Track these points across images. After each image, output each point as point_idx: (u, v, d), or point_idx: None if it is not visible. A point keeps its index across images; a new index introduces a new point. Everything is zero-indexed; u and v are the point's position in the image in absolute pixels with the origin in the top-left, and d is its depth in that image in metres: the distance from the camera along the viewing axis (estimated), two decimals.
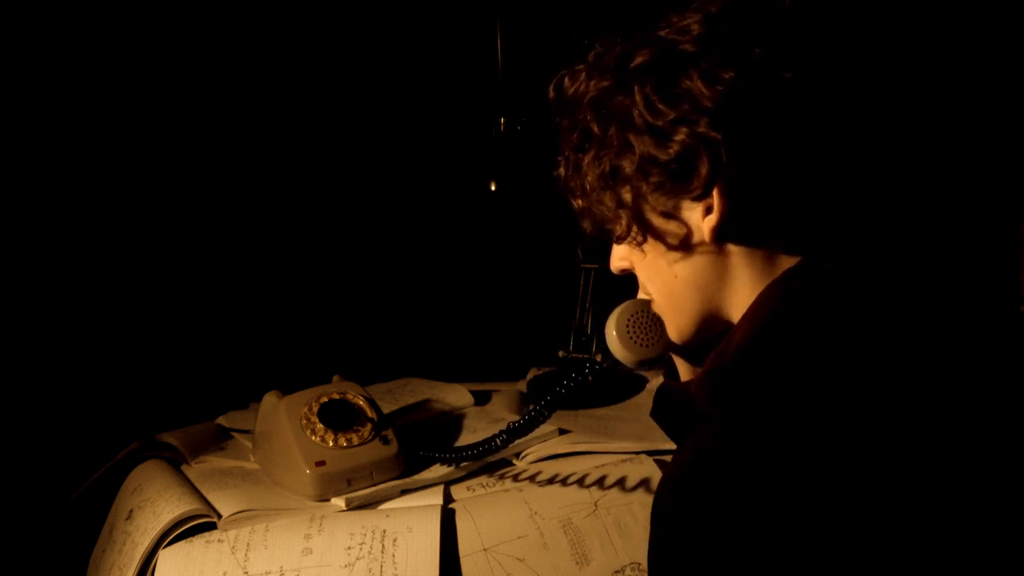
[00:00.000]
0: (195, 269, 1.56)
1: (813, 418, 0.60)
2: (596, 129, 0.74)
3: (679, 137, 0.69)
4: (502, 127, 1.53)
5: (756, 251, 0.73)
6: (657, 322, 0.82)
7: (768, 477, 0.58)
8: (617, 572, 0.95)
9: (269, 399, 1.11)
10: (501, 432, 1.01)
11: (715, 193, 0.70)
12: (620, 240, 0.78)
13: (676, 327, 0.79)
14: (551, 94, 0.79)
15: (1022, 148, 1.47)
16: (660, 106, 0.69)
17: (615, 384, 1.37)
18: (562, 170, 0.80)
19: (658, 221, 0.74)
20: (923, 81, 1.43)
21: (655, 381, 1.38)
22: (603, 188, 0.75)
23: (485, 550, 0.94)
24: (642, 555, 0.96)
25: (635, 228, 0.75)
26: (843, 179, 0.74)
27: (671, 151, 0.69)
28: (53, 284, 1.43)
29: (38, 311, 1.42)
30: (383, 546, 0.92)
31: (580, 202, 0.79)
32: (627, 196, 0.74)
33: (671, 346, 0.82)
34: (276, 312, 1.63)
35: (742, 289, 0.74)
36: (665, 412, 0.88)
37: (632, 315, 0.83)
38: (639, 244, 0.76)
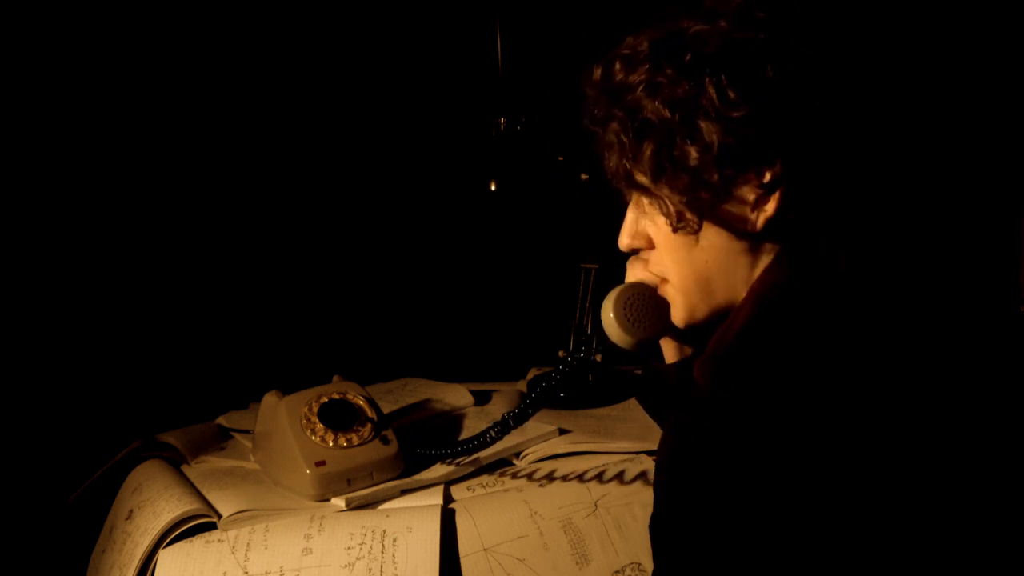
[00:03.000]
0: (195, 270, 1.56)
1: (811, 400, 0.61)
2: (660, 116, 0.72)
3: (752, 130, 0.69)
4: (502, 127, 1.52)
5: (789, 247, 0.75)
6: (653, 304, 0.82)
7: (764, 457, 0.60)
8: (617, 572, 0.95)
9: (269, 399, 1.11)
10: (494, 424, 1.01)
11: (778, 188, 0.71)
12: (677, 229, 0.76)
13: (689, 310, 0.80)
14: (596, 77, 0.77)
15: (1022, 148, 1.47)
16: (733, 96, 0.69)
17: (615, 384, 1.37)
18: (614, 159, 0.78)
19: (712, 209, 0.74)
20: (924, 81, 1.43)
21: None
22: (661, 175, 0.74)
23: (485, 550, 0.94)
24: (642, 555, 0.96)
25: (689, 215, 0.75)
26: (875, 183, 0.75)
27: (743, 143, 0.70)
28: (53, 284, 1.43)
29: (38, 311, 1.42)
30: (383, 546, 0.92)
31: (632, 190, 0.79)
32: (686, 183, 0.73)
33: (667, 328, 0.83)
34: (276, 312, 1.63)
35: (758, 269, 0.76)
36: (651, 394, 0.89)
37: (629, 297, 0.83)
38: (694, 231, 0.75)
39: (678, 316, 0.81)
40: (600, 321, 0.86)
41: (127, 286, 1.50)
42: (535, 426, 1.18)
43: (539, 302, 1.66)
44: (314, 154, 1.67)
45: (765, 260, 0.75)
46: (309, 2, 1.62)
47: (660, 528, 0.66)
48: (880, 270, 0.74)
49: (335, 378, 1.16)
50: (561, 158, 1.44)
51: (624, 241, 0.84)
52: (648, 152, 0.74)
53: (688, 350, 0.87)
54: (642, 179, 0.76)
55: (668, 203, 0.75)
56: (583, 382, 1.36)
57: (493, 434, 1.01)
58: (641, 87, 0.73)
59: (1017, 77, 1.46)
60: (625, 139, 0.75)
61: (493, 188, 1.57)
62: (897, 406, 0.62)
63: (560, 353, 1.38)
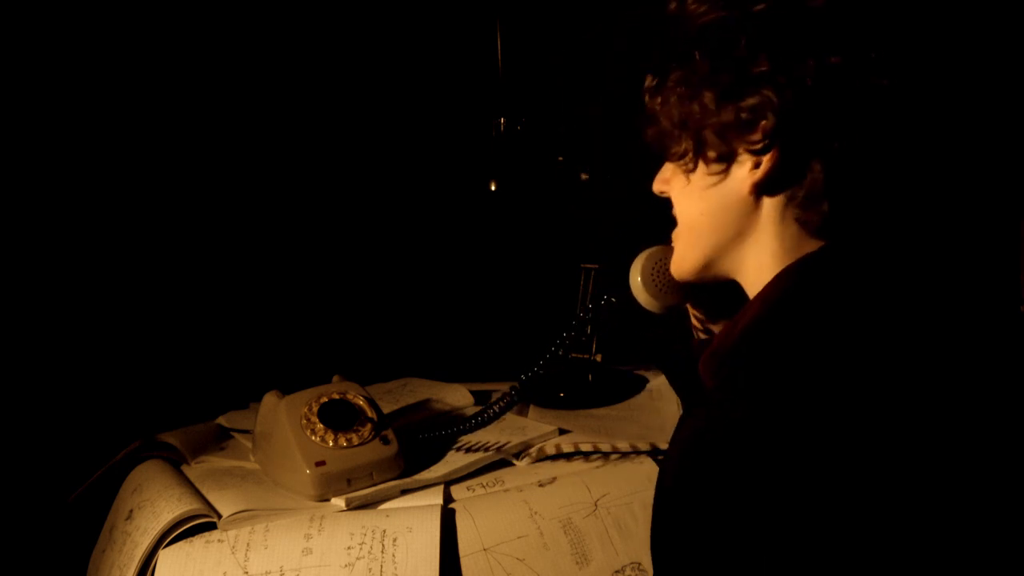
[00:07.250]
0: (195, 269, 1.56)
1: (815, 405, 0.61)
2: (694, 53, 0.76)
3: (763, 90, 0.71)
4: (502, 127, 1.53)
5: (785, 223, 0.76)
6: None
7: (769, 459, 0.60)
8: (617, 572, 0.95)
9: (269, 399, 1.11)
10: (500, 398, 1.02)
11: (770, 153, 0.73)
12: (674, 158, 0.81)
13: (681, 259, 0.83)
14: (673, 3, 0.80)
15: (1022, 148, 1.47)
16: (761, 56, 0.72)
17: (615, 384, 1.37)
18: (650, 78, 0.82)
19: (712, 156, 0.77)
20: (925, 82, 1.43)
21: (655, 381, 1.38)
22: (677, 106, 0.78)
23: (485, 550, 0.94)
24: (642, 555, 0.96)
25: (690, 153, 0.78)
26: (881, 174, 0.77)
27: (749, 101, 0.72)
28: (53, 284, 1.43)
29: (38, 311, 1.42)
30: (383, 546, 0.92)
31: (654, 109, 0.82)
32: (695, 122, 0.77)
33: (690, 295, 0.84)
34: (276, 312, 1.63)
35: (759, 254, 0.77)
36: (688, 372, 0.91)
37: (657, 262, 0.84)
38: (689, 171, 0.80)
39: (674, 264, 0.84)
40: (629, 285, 0.88)
41: (127, 286, 1.50)
42: (535, 426, 1.18)
43: (539, 302, 1.66)
44: (314, 154, 1.67)
45: (762, 232, 0.77)
46: (309, 2, 1.62)
47: (663, 535, 0.66)
48: (885, 274, 0.75)
49: (335, 378, 1.16)
50: (561, 158, 1.44)
51: (655, 185, 0.87)
52: (673, 81, 0.78)
53: (711, 326, 0.89)
54: (666, 107, 0.79)
55: (678, 138, 0.79)
56: (583, 382, 1.36)
57: (497, 409, 1.02)
58: (697, 22, 0.76)
59: (1017, 77, 1.46)
60: (667, 64, 0.79)
61: (493, 188, 1.57)
62: (900, 409, 0.62)
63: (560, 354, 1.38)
